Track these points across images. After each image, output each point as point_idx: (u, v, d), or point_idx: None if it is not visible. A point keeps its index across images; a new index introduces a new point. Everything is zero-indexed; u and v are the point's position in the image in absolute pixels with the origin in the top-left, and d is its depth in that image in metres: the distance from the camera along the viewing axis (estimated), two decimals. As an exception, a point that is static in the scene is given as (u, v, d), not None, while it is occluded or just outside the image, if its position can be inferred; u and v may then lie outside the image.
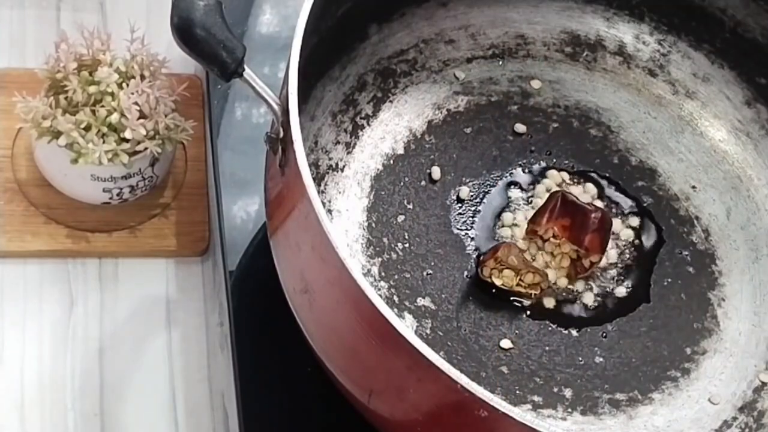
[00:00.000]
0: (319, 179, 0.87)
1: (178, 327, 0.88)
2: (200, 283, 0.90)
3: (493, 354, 0.84)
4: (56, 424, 0.83)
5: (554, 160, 0.94)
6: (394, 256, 0.87)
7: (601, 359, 0.86)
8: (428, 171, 0.91)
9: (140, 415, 0.84)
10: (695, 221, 0.93)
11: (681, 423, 0.84)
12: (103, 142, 0.82)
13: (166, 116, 0.84)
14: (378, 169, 0.90)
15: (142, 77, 0.84)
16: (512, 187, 0.92)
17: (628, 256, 0.90)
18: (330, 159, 0.89)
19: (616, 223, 0.91)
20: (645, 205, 0.93)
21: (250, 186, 0.90)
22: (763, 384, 0.86)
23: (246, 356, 0.83)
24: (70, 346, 0.86)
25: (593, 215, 0.85)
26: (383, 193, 0.90)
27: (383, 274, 0.86)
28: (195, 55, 0.71)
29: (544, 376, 0.84)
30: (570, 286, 0.88)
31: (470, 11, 0.96)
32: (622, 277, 0.89)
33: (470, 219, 0.90)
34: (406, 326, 0.64)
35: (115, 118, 0.82)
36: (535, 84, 0.97)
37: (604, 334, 0.87)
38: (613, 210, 0.92)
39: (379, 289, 0.85)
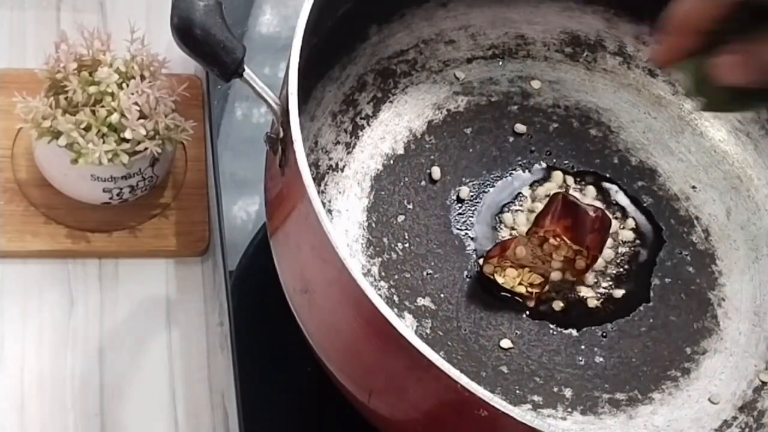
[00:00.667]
0: (319, 179, 0.87)
1: (178, 327, 0.88)
2: (200, 283, 0.90)
3: (493, 354, 0.84)
4: (56, 424, 0.83)
5: (554, 160, 0.94)
6: (394, 256, 0.87)
7: (601, 359, 0.86)
8: (428, 171, 0.91)
9: (140, 415, 0.84)
10: (695, 221, 0.93)
11: (681, 423, 0.84)
12: (103, 142, 0.82)
13: (166, 116, 0.84)
14: (378, 169, 0.90)
15: (142, 77, 0.84)
16: (512, 187, 0.92)
17: (628, 256, 0.90)
18: (330, 159, 0.89)
19: (617, 224, 0.91)
20: (645, 205, 0.93)
21: (250, 186, 0.90)
22: (763, 384, 0.86)
23: (246, 356, 0.83)
24: (70, 346, 0.86)
25: (594, 215, 0.85)
26: (383, 193, 0.90)
27: (383, 274, 0.86)
28: (195, 55, 0.71)
29: (544, 376, 0.84)
30: (570, 286, 0.88)
31: (470, 11, 0.96)
32: (623, 278, 0.89)
33: (470, 219, 0.90)
34: (406, 326, 0.64)
35: (115, 118, 0.82)
36: (535, 84, 0.97)
37: (604, 334, 0.87)
38: (617, 214, 0.92)
39: (379, 289, 0.85)
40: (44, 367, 0.85)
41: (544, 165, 0.94)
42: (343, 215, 0.88)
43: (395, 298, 0.85)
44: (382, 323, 0.64)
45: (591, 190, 0.92)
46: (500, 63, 0.97)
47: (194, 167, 0.93)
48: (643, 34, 0.98)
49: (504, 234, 0.89)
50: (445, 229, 0.89)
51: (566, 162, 0.94)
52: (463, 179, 0.91)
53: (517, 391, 0.83)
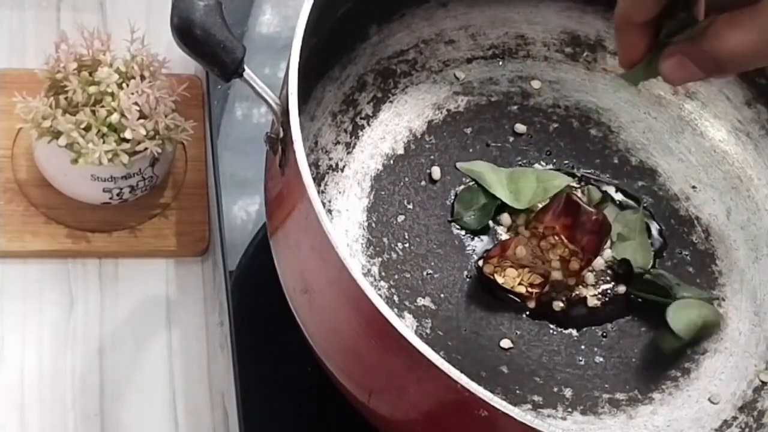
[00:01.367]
0: (319, 179, 0.87)
1: (178, 327, 0.88)
2: (200, 283, 0.90)
3: (493, 354, 0.84)
4: (56, 424, 0.83)
5: (554, 161, 0.94)
6: (394, 256, 0.87)
7: (601, 359, 0.86)
8: (428, 171, 0.91)
9: (140, 415, 0.84)
10: (695, 221, 0.93)
11: (681, 423, 0.84)
12: (103, 142, 0.82)
13: (166, 116, 0.84)
14: (378, 169, 0.90)
15: (142, 77, 0.84)
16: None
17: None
18: (330, 159, 0.89)
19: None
20: (645, 205, 0.93)
21: (250, 186, 0.90)
22: (763, 384, 0.86)
23: (246, 356, 0.83)
24: (70, 346, 0.86)
25: (593, 218, 0.85)
26: (383, 193, 0.90)
27: (383, 274, 0.86)
28: (195, 55, 0.71)
29: (544, 376, 0.84)
30: (570, 286, 0.88)
31: (470, 11, 0.96)
32: (623, 278, 0.89)
33: (470, 219, 0.90)
34: (406, 326, 0.64)
35: (115, 118, 0.82)
36: (535, 84, 0.97)
37: (604, 334, 0.87)
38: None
39: (379, 289, 0.85)
40: (44, 367, 0.85)
41: (544, 165, 0.94)
42: (343, 215, 0.88)
43: (395, 298, 0.85)
44: (382, 323, 0.64)
45: (595, 193, 0.92)
46: (500, 63, 0.97)
47: (194, 167, 0.93)
48: (643, 34, 0.98)
49: (504, 234, 0.89)
50: (445, 229, 0.89)
51: (566, 162, 0.94)
52: (463, 179, 0.91)
53: (517, 391, 0.83)
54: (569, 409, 0.83)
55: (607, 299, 0.88)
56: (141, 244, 0.90)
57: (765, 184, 0.95)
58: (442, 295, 0.86)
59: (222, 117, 0.94)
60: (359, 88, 0.91)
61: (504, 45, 0.98)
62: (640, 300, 0.88)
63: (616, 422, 0.83)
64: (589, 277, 0.88)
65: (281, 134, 0.72)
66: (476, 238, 0.89)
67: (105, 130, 0.82)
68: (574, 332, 0.87)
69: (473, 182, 0.91)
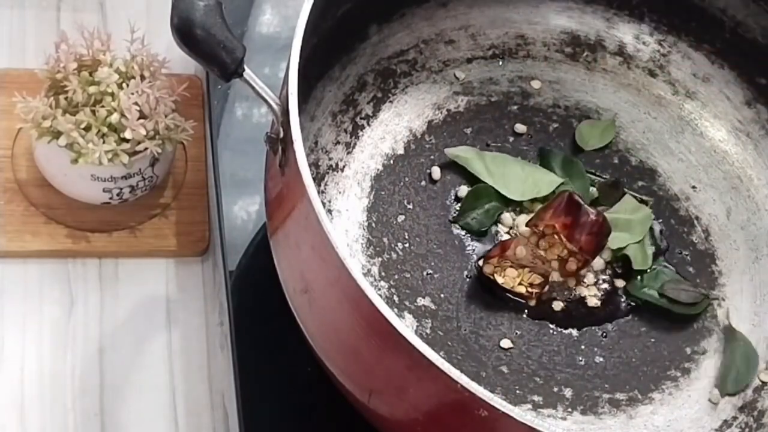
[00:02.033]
0: (319, 179, 0.87)
1: (178, 327, 0.88)
2: (200, 283, 0.90)
3: (493, 354, 0.84)
4: (56, 424, 0.83)
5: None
6: (394, 256, 0.87)
7: (601, 359, 0.86)
8: (428, 171, 0.91)
9: (140, 415, 0.84)
10: (695, 221, 0.93)
11: (681, 423, 0.84)
12: (103, 142, 0.82)
13: (166, 116, 0.84)
14: (378, 169, 0.90)
15: (142, 77, 0.84)
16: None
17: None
18: (330, 159, 0.89)
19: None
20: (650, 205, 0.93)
21: (250, 186, 0.90)
22: (763, 384, 0.86)
23: (246, 356, 0.83)
24: (70, 346, 0.86)
25: (593, 218, 0.85)
26: (383, 193, 0.90)
27: (383, 274, 0.86)
28: (195, 55, 0.71)
29: (544, 376, 0.84)
30: (570, 287, 0.88)
31: (470, 11, 0.96)
32: (623, 278, 0.89)
33: (470, 219, 0.90)
34: (406, 326, 0.64)
35: (115, 118, 0.82)
36: (535, 84, 0.97)
37: (604, 334, 0.87)
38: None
39: (379, 289, 0.85)
40: (44, 367, 0.85)
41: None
42: (343, 215, 0.88)
43: (395, 298, 0.85)
44: (382, 323, 0.64)
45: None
46: (500, 63, 0.97)
47: (194, 167, 0.93)
48: (643, 34, 0.98)
49: (504, 234, 0.89)
50: (445, 229, 0.89)
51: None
52: (463, 179, 0.91)
53: (517, 391, 0.83)
54: (569, 409, 0.83)
55: (607, 299, 0.88)
56: (141, 244, 0.90)
57: (765, 184, 0.95)
58: (442, 295, 0.86)
59: (222, 117, 0.94)
60: (359, 88, 0.91)
61: (504, 45, 0.98)
62: (637, 302, 0.88)
63: (616, 422, 0.83)
64: (589, 276, 0.88)
65: (281, 134, 0.72)
66: (476, 238, 0.89)
67: (105, 130, 0.82)
68: (574, 332, 0.87)
69: (477, 183, 0.91)
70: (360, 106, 0.91)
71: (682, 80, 0.98)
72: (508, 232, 0.89)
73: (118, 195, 0.87)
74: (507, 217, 0.90)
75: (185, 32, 0.70)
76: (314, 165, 0.87)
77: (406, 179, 0.91)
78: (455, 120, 0.94)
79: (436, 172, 0.91)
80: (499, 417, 0.63)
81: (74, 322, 0.87)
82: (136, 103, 0.82)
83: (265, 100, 0.73)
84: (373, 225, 0.88)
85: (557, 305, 0.87)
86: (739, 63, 0.96)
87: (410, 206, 0.89)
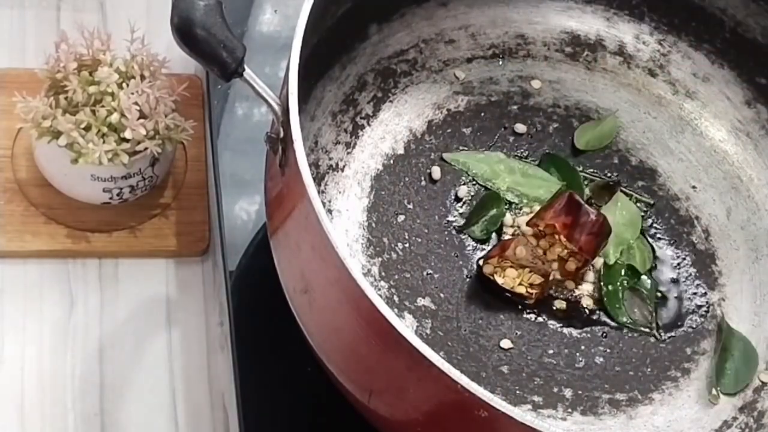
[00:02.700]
0: (319, 179, 0.87)
1: (178, 327, 0.88)
2: (200, 283, 0.90)
3: (493, 354, 0.84)
4: (56, 424, 0.83)
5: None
6: (394, 256, 0.87)
7: (601, 359, 0.86)
8: (428, 171, 0.91)
9: (140, 415, 0.84)
10: (695, 221, 0.93)
11: (681, 423, 0.84)
12: (103, 142, 0.82)
13: (166, 116, 0.84)
14: (378, 169, 0.90)
15: (142, 77, 0.84)
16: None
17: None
18: (330, 159, 0.89)
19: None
20: (646, 207, 0.93)
21: (250, 186, 0.90)
22: (763, 384, 0.86)
23: (246, 356, 0.83)
24: (70, 346, 0.86)
25: (593, 218, 0.85)
26: (383, 193, 0.90)
27: (383, 274, 0.86)
28: (195, 55, 0.71)
29: (544, 376, 0.84)
30: (571, 287, 0.88)
31: (470, 11, 0.96)
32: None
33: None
34: (406, 326, 0.64)
35: (115, 118, 0.82)
36: (535, 84, 0.97)
37: (604, 334, 0.87)
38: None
39: (379, 289, 0.85)
40: (44, 367, 0.85)
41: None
42: (343, 215, 0.88)
43: (395, 298, 0.85)
44: (382, 323, 0.64)
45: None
46: (500, 63, 0.97)
47: (194, 167, 0.93)
48: (643, 33, 0.98)
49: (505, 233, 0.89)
50: (445, 229, 0.89)
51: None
52: (463, 179, 0.91)
53: (517, 392, 0.83)
54: (569, 410, 0.83)
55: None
56: (141, 244, 0.90)
57: (765, 184, 0.95)
58: (442, 295, 0.86)
59: (222, 117, 0.94)
60: (359, 88, 0.91)
61: (504, 45, 0.98)
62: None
63: (616, 422, 0.83)
64: (589, 275, 0.88)
65: (281, 134, 0.72)
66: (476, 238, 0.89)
67: (105, 130, 0.82)
68: (574, 332, 0.87)
69: (473, 181, 0.91)
70: (360, 106, 0.91)
71: (682, 80, 0.98)
72: (508, 233, 0.89)
73: (118, 195, 0.87)
74: (507, 217, 0.90)
75: (185, 32, 0.70)
76: (314, 165, 0.87)
77: (406, 179, 0.91)
78: (455, 120, 0.94)
79: (436, 172, 0.91)
80: (499, 417, 0.63)
81: (74, 322, 0.87)
82: (136, 103, 0.82)
83: (265, 100, 0.73)
84: (373, 225, 0.88)
85: (557, 305, 0.87)
86: (739, 63, 0.96)
87: (410, 206, 0.89)
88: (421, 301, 0.86)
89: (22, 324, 0.86)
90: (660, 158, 0.96)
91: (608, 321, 0.87)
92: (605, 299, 0.87)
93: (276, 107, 0.72)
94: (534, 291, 0.86)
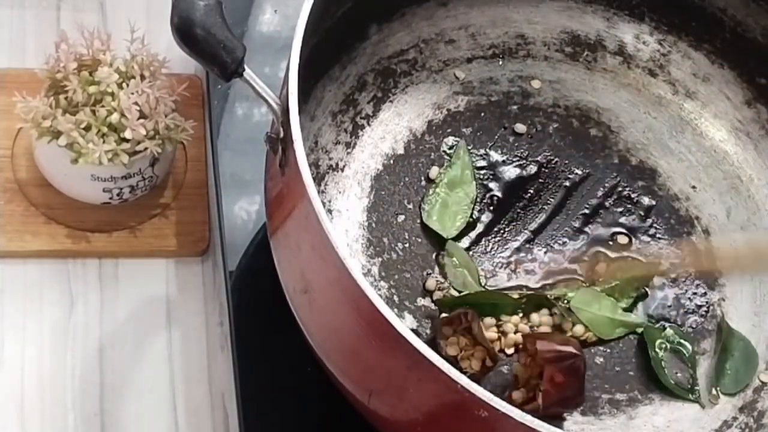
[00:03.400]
0: (319, 179, 0.87)
1: (178, 327, 0.88)
2: (200, 283, 0.90)
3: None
4: (56, 424, 0.83)
5: (555, 160, 0.94)
6: (394, 256, 0.87)
7: (601, 359, 0.86)
8: (428, 171, 0.91)
9: (140, 415, 0.84)
10: (695, 221, 0.93)
11: (681, 423, 0.84)
12: (103, 142, 0.82)
13: (166, 116, 0.84)
14: (378, 169, 0.90)
15: (142, 77, 0.84)
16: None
17: (626, 256, 0.90)
18: (330, 159, 0.89)
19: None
20: (647, 205, 0.93)
21: (250, 186, 0.90)
22: (763, 384, 0.86)
23: (246, 356, 0.83)
24: (70, 346, 0.86)
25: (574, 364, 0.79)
26: (383, 193, 0.90)
27: (383, 274, 0.86)
28: (195, 55, 0.71)
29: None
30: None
31: (470, 11, 0.96)
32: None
33: (470, 219, 0.90)
34: (406, 326, 0.64)
35: (115, 118, 0.82)
36: (535, 84, 0.97)
37: (604, 334, 0.87)
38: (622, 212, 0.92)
39: (379, 289, 0.85)
40: (44, 367, 0.85)
41: (544, 165, 0.94)
42: (343, 215, 0.88)
43: (395, 298, 0.85)
44: (382, 323, 0.64)
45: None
46: (500, 63, 0.97)
47: (194, 167, 0.93)
48: (643, 33, 0.98)
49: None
50: (445, 229, 0.89)
51: (566, 162, 0.94)
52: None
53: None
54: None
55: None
56: (141, 244, 0.90)
57: (765, 184, 0.95)
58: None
59: (222, 117, 0.94)
60: (359, 88, 0.91)
61: (504, 45, 0.98)
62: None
63: (616, 423, 0.83)
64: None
65: (281, 134, 0.72)
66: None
67: (105, 130, 0.82)
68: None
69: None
70: (360, 106, 0.91)
71: (682, 80, 0.98)
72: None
73: (118, 195, 0.87)
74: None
75: (185, 32, 0.70)
76: (314, 165, 0.87)
77: (406, 179, 0.91)
78: (455, 120, 0.94)
79: (435, 172, 0.91)
80: (499, 417, 0.63)
81: (74, 322, 0.87)
82: (136, 103, 0.82)
83: (265, 100, 0.73)
84: (373, 225, 0.88)
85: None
86: (739, 63, 0.96)
87: (410, 206, 0.89)
88: (421, 301, 0.86)
89: (22, 324, 0.86)
90: (660, 158, 0.96)
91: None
92: (653, 363, 0.85)
93: (276, 107, 0.72)
94: (474, 370, 0.82)
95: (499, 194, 0.92)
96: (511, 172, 0.93)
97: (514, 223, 0.90)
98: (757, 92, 0.96)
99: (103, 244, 0.89)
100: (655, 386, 0.85)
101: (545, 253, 0.89)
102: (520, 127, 0.95)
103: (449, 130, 0.94)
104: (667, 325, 0.87)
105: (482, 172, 0.92)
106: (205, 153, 0.94)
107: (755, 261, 0.76)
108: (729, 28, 0.95)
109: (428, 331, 0.84)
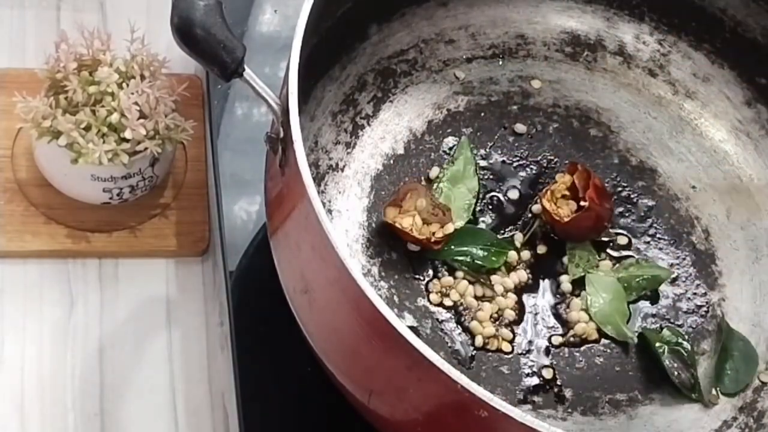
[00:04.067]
0: (319, 179, 0.87)
1: (178, 327, 0.88)
2: (200, 283, 0.90)
3: (494, 354, 0.84)
4: (56, 424, 0.83)
5: (555, 160, 0.94)
6: (394, 255, 0.87)
7: (601, 359, 0.86)
8: (428, 171, 0.91)
9: (140, 415, 0.84)
10: (695, 221, 0.93)
11: (681, 423, 0.84)
12: (103, 142, 0.82)
13: (166, 116, 0.84)
14: (378, 169, 0.90)
15: (142, 77, 0.84)
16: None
17: (626, 255, 0.90)
18: (330, 159, 0.89)
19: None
20: (645, 206, 0.93)
21: (250, 186, 0.90)
22: (763, 384, 0.86)
23: (246, 356, 0.83)
24: (70, 346, 0.86)
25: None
26: (383, 193, 0.90)
27: (383, 274, 0.86)
28: (195, 55, 0.71)
29: (544, 376, 0.84)
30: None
31: (470, 11, 0.96)
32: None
33: (470, 219, 0.90)
34: (406, 326, 0.64)
35: (115, 118, 0.82)
36: (535, 84, 0.97)
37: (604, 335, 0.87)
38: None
39: (379, 289, 0.85)
40: (44, 367, 0.85)
41: (544, 165, 0.94)
42: (343, 215, 0.88)
43: (395, 298, 0.85)
44: (382, 323, 0.64)
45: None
46: (500, 63, 0.97)
47: (194, 167, 0.93)
48: (643, 33, 0.98)
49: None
50: (445, 229, 0.89)
51: (566, 162, 0.94)
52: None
53: (517, 392, 0.83)
54: (569, 410, 0.83)
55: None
56: (141, 244, 0.90)
57: (765, 184, 0.95)
58: (442, 295, 0.86)
59: (222, 117, 0.94)
60: (359, 88, 0.91)
61: (504, 45, 0.98)
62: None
63: (616, 423, 0.83)
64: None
65: (281, 134, 0.72)
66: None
67: (105, 130, 0.82)
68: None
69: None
70: (360, 106, 0.91)
71: (682, 80, 0.98)
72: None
73: (118, 195, 0.87)
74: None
75: (185, 32, 0.70)
76: (314, 165, 0.87)
77: (406, 179, 0.91)
78: (455, 120, 0.94)
79: (435, 172, 0.91)
80: (499, 417, 0.63)
81: (74, 322, 0.87)
82: (136, 103, 0.82)
83: (265, 100, 0.73)
84: (373, 225, 0.88)
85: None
86: (739, 63, 0.96)
87: (410, 206, 0.89)
88: (421, 301, 0.86)
89: (22, 324, 0.86)
90: (660, 158, 0.96)
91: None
92: (656, 363, 0.86)
93: (276, 107, 0.72)
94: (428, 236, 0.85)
95: (500, 195, 0.91)
96: (511, 172, 0.93)
97: (513, 225, 0.90)
98: (757, 92, 0.96)
99: (103, 244, 0.89)
100: (656, 386, 0.85)
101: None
102: (520, 127, 0.95)
103: (449, 130, 0.94)
104: (666, 324, 0.87)
105: (482, 172, 0.92)
106: (205, 153, 0.94)
107: None
108: (729, 28, 0.95)
109: (428, 331, 0.84)
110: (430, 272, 0.87)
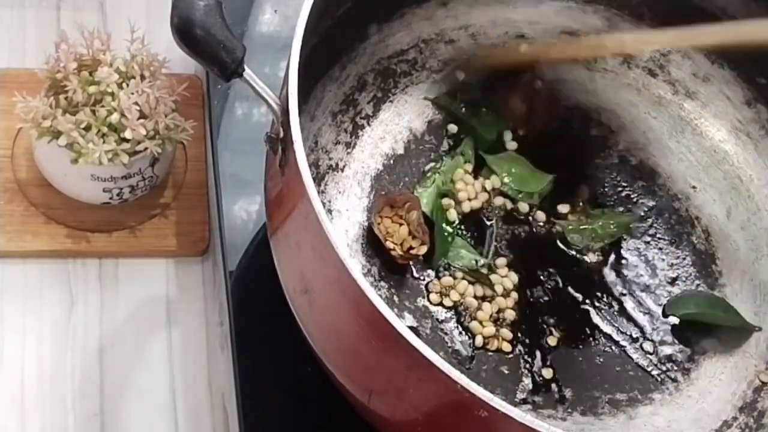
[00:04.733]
0: (319, 179, 0.87)
1: (178, 327, 0.88)
2: (200, 283, 0.90)
3: (494, 354, 0.84)
4: (56, 424, 0.83)
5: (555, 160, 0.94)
6: (394, 255, 0.87)
7: (601, 359, 0.86)
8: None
9: (140, 415, 0.84)
10: (695, 221, 0.93)
11: (681, 423, 0.84)
12: (103, 142, 0.82)
13: (166, 116, 0.84)
14: (378, 169, 0.90)
15: (142, 77, 0.84)
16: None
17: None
18: (330, 159, 0.89)
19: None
20: (645, 206, 0.93)
21: (250, 186, 0.90)
22: (763, 384, 0.86)
23: (246, 356, 0.83)
24: (70, 346, 0.86)
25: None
26: (383, 193, 0.89)
27: (383, 274, 0.86)
28: (195, 55, 0.71)
29: (544, 377, 0.84)
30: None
31: (470, 11, 0.96)
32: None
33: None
34: (406, 326, 0.64)
35: (115, 118, 0.82)
36: (535, 84, 0.97)
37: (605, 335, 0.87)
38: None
39: (379, 289, 0.85)
40: (44, 367, 0.85)
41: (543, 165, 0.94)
42: (343, 215, 0.88)
43: (395, 298, 0.85)
44: (382, 323, 0.64)
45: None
46: (500, 63, 0.97)
47: (194, 167, 0.93)
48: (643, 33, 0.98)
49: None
50: (445, 229, 0.89)
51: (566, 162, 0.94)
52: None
53: (518, 392, 0.83)
54: (569, 410, 0.83)
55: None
56: (141, 244, 0.90)
57: (765, 184, 0.95)
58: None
59: (222, 117, 0.94)
60: (359, 88, 0.91)
61: (504, 45, 0.98)
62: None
63: (616, 423, 0.83)
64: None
65: (281, 134, 0.72)
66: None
67: (105, 130, 0.82)
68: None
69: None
70: (360, 106, 0.91)
71: (682, 80, 0.98)
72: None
73: (118, 195, 0.87)
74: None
75: (185, 32, 0.70)
76: (314, 165, 0.87)
77: (406, 179, 0.91)
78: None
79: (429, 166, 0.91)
80: (499, 417, 0.63)
81: (74, 322, 0.87)
82: (136, 103, 0.82)
83: (265, 100, 0.73)
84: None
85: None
86: (739, 63, 0.96)
87: (410, 206, 0.89)
88: (421, 301, 0.86)
89: (22, 324, 0.86)
90: (660, 158, 0.96)
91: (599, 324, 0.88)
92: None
93: (276, 107, 0.72)
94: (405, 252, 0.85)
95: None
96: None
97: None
98: (757, 92, 0.96)
99: (103, 244, 0.89)
100: (656, 386, 0.85)
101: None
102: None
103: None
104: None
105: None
106: (205, 153, 0.94)
107: None
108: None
109: (428, 331, 0.84)
110: (430, 272, 0.87)
